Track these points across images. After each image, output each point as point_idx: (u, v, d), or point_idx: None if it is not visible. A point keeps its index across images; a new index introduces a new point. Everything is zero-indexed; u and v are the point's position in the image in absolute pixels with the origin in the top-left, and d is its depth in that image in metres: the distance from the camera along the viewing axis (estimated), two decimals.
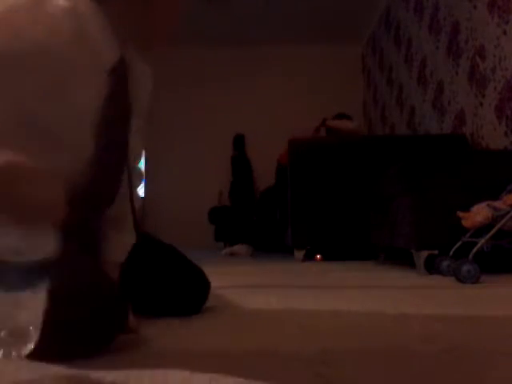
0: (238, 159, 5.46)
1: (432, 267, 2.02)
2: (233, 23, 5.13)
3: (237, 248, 4.06)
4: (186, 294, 1.10)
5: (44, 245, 0.77)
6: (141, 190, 5.17)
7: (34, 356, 0.71)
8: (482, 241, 1.76)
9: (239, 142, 5.55)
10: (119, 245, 0.99)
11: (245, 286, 1.75)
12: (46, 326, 0.70)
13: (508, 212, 1.74)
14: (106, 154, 0.85)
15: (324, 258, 3.24)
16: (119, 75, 0.83)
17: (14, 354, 0.69)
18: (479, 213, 1.79)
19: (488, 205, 1.79)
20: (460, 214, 1.86)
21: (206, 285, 1.15)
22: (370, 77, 5.44)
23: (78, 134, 0.79)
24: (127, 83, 0.88)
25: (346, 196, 3.14)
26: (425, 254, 2.09)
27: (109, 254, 0.96)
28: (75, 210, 0.84)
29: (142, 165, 5.19)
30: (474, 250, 1.75)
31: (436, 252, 2.06)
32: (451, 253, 1.93)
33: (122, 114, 0.89)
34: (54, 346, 0.71)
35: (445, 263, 1.96)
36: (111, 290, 0.79)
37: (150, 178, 5.29)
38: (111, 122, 0.84)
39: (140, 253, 1.05)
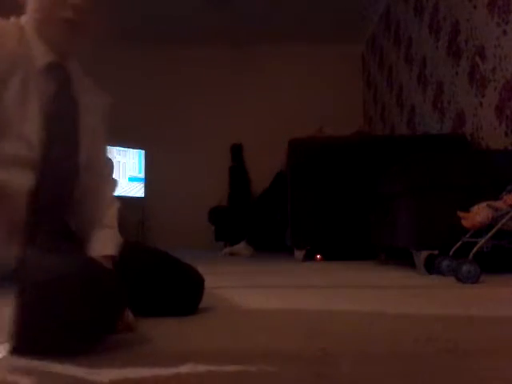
0: (236, 169, 5.48)
1: (432, 267, 2.02)
2: (233, 23, 5.13)
3: (237, 248, 4.05)
4: (179, 294, 1.10)
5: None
6: (140, 191, 5.17)
7: (36, 351, 0.72)
8: (482, 241, 1.76)
9: (237, 151, 5.55)
10: (102, 240, 1.03)
11: (245, 286, 1.75)
12: (48, 320, 0.71)
13: (508, 212, 1.74)
14: (54, 148, 0.95)
15: (324, 258, 3.23)
16: (56, 76, 0.98)
17: None
18: (479, 213, 1.79)
19: (488, 205, 1.79)
20: (460, 213, 1.86)
21: (199, 284, 1.15)
22: (370, 77, 5.44)
23: (24, 123, 0.91)
24: (68, 84, 1.01)
25: (346, 196, 3.14)
26: (425, 254, 2.09)
27: (94, 249, 1.00)
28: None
29: (141, 165, 5.19)
30: (474, 250, 1.75)
31: (436, 252, 2.06)
32: (451, 253, 1.93)
33: (66, 111, 0.99)
34: (58, 336, 0.72)
35: (445, 263, 1.95)
36: (108, 277, 0.80)
37: (151, 178, 5.28)
38: (56, 116, 0.96)
39: (132, 257, 1.07)
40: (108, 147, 1.18)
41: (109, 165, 1.15)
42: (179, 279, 1.11)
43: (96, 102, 1.09)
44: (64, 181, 0.99)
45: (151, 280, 1.08)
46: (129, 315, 0.90)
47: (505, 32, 2.48)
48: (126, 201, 4.87)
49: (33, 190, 0.92)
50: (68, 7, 0.92)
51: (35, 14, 0.95)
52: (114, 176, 1.18)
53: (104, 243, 1.03)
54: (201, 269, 1.18)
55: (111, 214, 1.08)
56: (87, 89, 1.07)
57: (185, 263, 1.16)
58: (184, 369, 0.66)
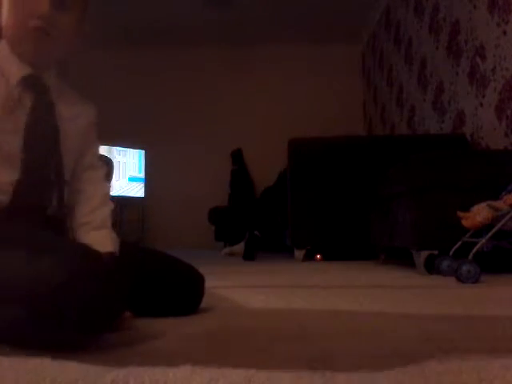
0: (237, 172, 5.47)
1: (432, 267, 2.02)
2: (232, 23, 5.13)
3: (237, 248, 4.05)
4: (180, 293, 1.10)
5: None
6: (140, 191, 5.17)
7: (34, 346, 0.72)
8: (482, 241, 1.76)
9: (237, 156, 5.54)
10: (99, 239, 1.05)
11: (245, 286, 1.75)
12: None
13: (508, 212, 1.74)
14: (35, 154, 0.98)
15: (324, 258, 3.23)
16: (32, 86, 0.99)
17: None
18: (479, 213, 1.79)
19: (488, 205, 1.79)
20: (460, 214, 1.86)
21: (199, 283, 1.15)
22: (370, 77, 5.44)
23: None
24: (45, 93, 1.02)
25: (346, 196, 3.14)
26: (425, 254, 2.09)
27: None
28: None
29: (141, 165, 5.19)
30: (474, 250, 1.75)
31: (436, 252, 2.06)
32: (451, 253, 1.94)
33: (45, 119, 1.01)
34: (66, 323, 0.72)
35: (445, 263, 1.96)
36: (109, 273, 0.81)
37: (151, 178, 5.29)
38: (35, 124, 0.98)
39: (132, 257, 1.07)
40: (107, 148, 1.20)
41: (101, 169, 1.17)
42: (179, 279, 1.11)
43: (79, 109, 1.11)
44: (47, 183, 1.01)
45: (151, 280, 1.08)
46: (125, 312, 0.90)
47: (505, 32, 2.48)
48: (126, 201, 4.84)
49: (15, 194, 0.95)
50: (37, 17, 0.94)
51: (7, 31, 0.98)
52: (110, 178, 1.20)
53: (101, 242, 1.04)
54: (201, 269, 1.18)
55: (104, 215, 1.10)
56: (68, 99, 1.09)
57: (185, 263, 1.16)
58: (184, 369, 0.66)
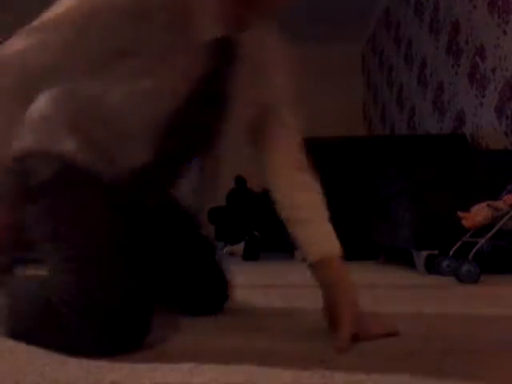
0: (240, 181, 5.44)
1: (432, 267, 2.02)
2: None
3: (237, 248, 4.05)
4: (204, 294, 1.11)
5: None
6: None
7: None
8: (482, 241, 1.76)
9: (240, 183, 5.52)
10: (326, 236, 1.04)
11: (245, 286, 1.75)
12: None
13: (508, 212, 1.74)
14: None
15: None
16: (218, 52, 0.85)
17: None
18: (479, 213, 1.79)
19: (488, 205, 1.79)
20: (460, 214, 1.86)
21: (224, 285, 1.15)
22: (370, 77, 5.44)
23: (164, 73, 0.82)
24: (230, 64, 0.90)
25: (346, 196, 3.14)
26: (425, 254, 2.09)
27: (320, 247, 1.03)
28: None
29: None
30: (474, 250, 1.75)
31: (436, 252, 2.06)
32: (451, 253, 1.94)
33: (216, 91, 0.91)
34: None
35: (445, 263, 1.96)
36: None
37: None
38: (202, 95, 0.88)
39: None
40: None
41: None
42: (206, 280, 1.11)
43: (278, 68, 1.00)
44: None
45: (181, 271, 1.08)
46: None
47: (505, 32, 2.48)
48: None
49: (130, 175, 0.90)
50: None
51: None
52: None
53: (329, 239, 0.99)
54: None
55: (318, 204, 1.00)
56: (264, 69, 0.97)
57: (219, 265, 1.18)
58: (186, 368, 0.66)
